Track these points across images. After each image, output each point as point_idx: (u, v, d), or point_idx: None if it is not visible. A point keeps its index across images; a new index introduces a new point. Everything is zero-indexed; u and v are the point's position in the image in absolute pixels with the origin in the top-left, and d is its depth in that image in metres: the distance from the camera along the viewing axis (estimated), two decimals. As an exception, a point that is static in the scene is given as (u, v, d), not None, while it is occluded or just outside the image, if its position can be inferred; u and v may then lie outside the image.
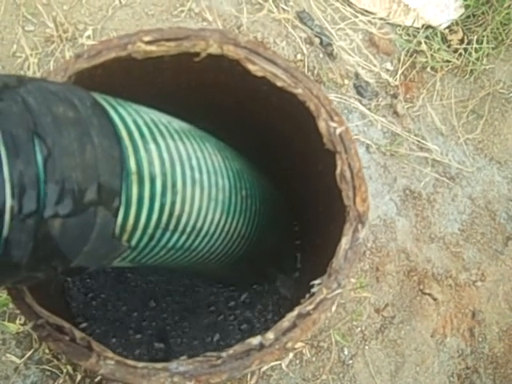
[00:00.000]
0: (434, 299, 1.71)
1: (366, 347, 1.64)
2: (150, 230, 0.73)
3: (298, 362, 1.59)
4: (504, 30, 2.07)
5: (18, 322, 1.52)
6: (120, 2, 1.91)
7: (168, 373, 0.77)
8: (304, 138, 1.04)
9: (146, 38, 0.92)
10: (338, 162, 0.92)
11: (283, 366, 1.55)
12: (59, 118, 0.59)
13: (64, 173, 0.57)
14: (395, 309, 1.69)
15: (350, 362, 1.62)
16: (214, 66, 0.99)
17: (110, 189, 0.63)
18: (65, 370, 1.51)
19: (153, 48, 0.93)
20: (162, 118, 0.81)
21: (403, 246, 1.77)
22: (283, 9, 2.01)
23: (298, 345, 1.57)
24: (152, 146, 0.72)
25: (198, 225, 0.84)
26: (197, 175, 0.82)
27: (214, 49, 0.96)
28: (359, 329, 1.65)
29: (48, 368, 1.53)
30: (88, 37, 1.84)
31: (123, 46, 0.92)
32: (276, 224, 1.22)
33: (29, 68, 1.79)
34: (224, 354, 0.78)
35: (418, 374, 1.64)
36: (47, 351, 1.53)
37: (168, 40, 0.94)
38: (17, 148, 0.53)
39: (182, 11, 1.92)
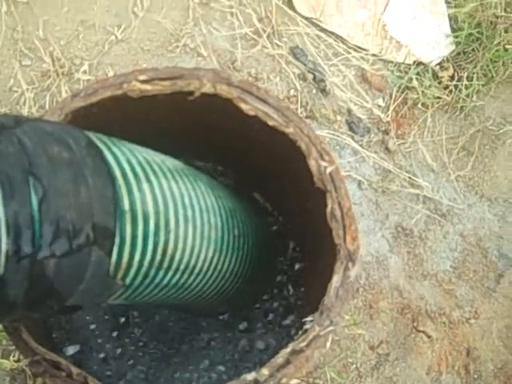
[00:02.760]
0: (429, 336, 1.72)
1: (362, 385, 1.65)
2: (144, 269, 0.74)
3: (294, 400, 1.59)
4: (494, 67, 2.10)
5: (11, 358, 1.51)
6: (116, 38, 1.92)
7: None
8: (294, 177, 1.05)
9: (141, 77, 0.94)
10: (329, 201, 0.93)
11: (279, 404, 1.55)
12: (54, 158, 0.60)
13: (59, 213, 0.58)
14: (390, 346, 1.70)
15: (346, 400, 1.63)
16: (208, 104, 1.01)
17: (104, 228, 0.64)
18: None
19: (148, 87, 0.95)
20: (156, 157, 0.82)
21: (396, 283, 1.78)
22: (277, 44, 2.03)
23: (294, 382, 1.57)
24: (145, 186, 0.73)
25: (192, 263, 0.84)
26: (189, 213, 0.82)
27: (207, 88, 0.97)
28: (354, 366, 1.66)
29: (42, 406, 1.52)
30: (84, 72, 1.85)
31: (119, 85, 0.94)
32: (268, 261, 1.23)
33: (25, 103, 1.80)
34: None
35: (414, 413, 1.65)
36: (42, 387, 1.52)
37: (162, 79, 0.95)
38: (12, 188, 0.54)
39: (177, 46, 1.94)
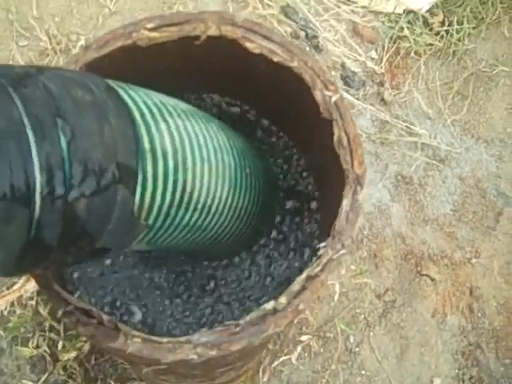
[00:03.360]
0: (432, 280, 1.77)
1: (371, 333, 1.70)
2: (164, 209, 0.77)
3: (306, 355, 1.66)
4: (483, 9, 2.12)
5: (30, 345, 1.57)
6: (109, 10, 1.95)
7: (191, 345, 0.82)
8: (300, 111, 1.08)
9: (149, 25, 0.97)
10: (335, 129, 0.96)
11: (293, 360, 1.61)
12: (78, 101, 0.62)
13: (86, 153, 0.60)
14: (395, 293, 1.75)
15: (357, 349, 1.69)
16: (214, 48, 1.03)
17: (127, 167, 0.67)
18: (80, 389, 1.57)
19: (156, 34, 0.98)
20: (169, 100, 0.85)
21: (399, 230, 1.83)
22: (268, 4, 2.05)
23: (305, 337, 1.63)
24: (163, 125, 0.76)
25: (208, 202, 0.88)
26: (204, 152, 0.85)
27: (212, 30, 1.00)
28: (362, 316, 1.72)
29: (64, 389, 1.59)
30: (81, 46, 1.88)
31: (128, 34, 0.97)
32: (276, 199, 1.27)
33: (25, 85, 1.84)
34: (242, 322, 0.83)
35: (423, 354, 1.71)
36: (62, 372, 1.57)
37: (170, 25, 0.98)
38: (43, 130, 0.56)
39: (169, 15, 1.97)
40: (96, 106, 0.64)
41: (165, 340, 0.83)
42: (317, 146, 1.09)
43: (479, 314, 1.77)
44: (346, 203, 0.90)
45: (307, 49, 2.03)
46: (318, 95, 0.98)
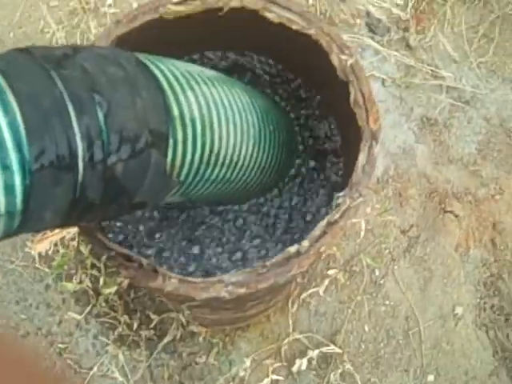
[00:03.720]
0: (456, 216, 1.82)
1: (396, 266, 1.77)
2: (194, 166, 0.86)
3: (333, 287, 1.73)
4: (508, -48, 2.13)
5: (74, 281, 1.68)
6: (138, -30, 2.01)
7: (223, 284, 0.91)
8: (319, 75, 1.16)
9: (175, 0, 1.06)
10: (351, 90, 1.04)
11: (320, 292, 1.68)
12: (112, 77, 0.71)
13: (121, 124, 0.69)
14: (419, 229, 1.81)
15: (382, 281, 1.75)
16: (236, 18, 1.11)
17: (159, 133, 0.76)
18: (122, 320, 1.66)
19: (181, 8, 1.07)
20: (195, 68, 0.94)
21: (423, 170, 1.88)
22: (290, -43, 2.09)
23: (332, 271, 1.70)
24: (189, 93, 0.85)
25: (235, 158, 0.97)
26: (230, 114, 0.94)
27: (235, 2, 1.08)
28: (387, 251, 1.78)
29: (107, 320, 1.69)
30: (110, 5, 1.96)
31: (155, 8, 1.06)
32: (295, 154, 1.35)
33: (57, 42, 1.93)
34: (268, 263, 0.92)
35: (446, 285, 1.77)
36: (104, 304, 1.68)
37: None
38: (81, 105, 0.65)
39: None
40: (128, 81, 0.73)
41: (199, 280, 0.93)
42: (338, 104, 1.16)
43: (502, 247, 1.81)
44: (362, 156, 1.00)
45: (331, -2, 2.07)
46: (334, 59, 1.07)
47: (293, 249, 0.94)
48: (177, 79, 0.85)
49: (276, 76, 1.30)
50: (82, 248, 1.64)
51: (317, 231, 0.95)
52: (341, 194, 0.99)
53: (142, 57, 0.83)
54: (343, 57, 1.06)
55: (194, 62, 1.24)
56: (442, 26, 2.10)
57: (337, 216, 0.96)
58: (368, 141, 1.01)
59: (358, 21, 2.07)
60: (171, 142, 0.80)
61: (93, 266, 1.65)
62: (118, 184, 0.72)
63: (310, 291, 1.69)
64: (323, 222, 0.96)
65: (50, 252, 1.69)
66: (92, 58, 0.71)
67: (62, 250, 1.68)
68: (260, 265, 0.93)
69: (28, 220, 0.65)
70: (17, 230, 0.66)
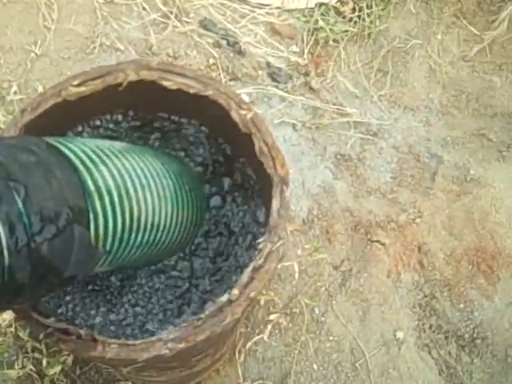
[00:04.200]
0: (382, 244, 1.89)
1: (334, 302, 1.81)
2: (118, 234, 0.90)
3: (277, 331, 1.76)
4: (388, -9, 2.26)
5: (16, 367, 1.65)
6: (36, 54, 2.04)
7: (162, 342, 0.94)
8: (225, 129, 1.22)
9: (75, 82, 1.10)
10: (255, 141, 1.11)
11: (265, 338, 1.71)
12: (24, 163, 0.74)
13: (40, 205, 0.72)
14: (351, 262, 1.87)
15: (323, 318, 1.79)
16: (136, 90, 1.16)
17: (78, 208, 0.79)
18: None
19: (82, 88, 1.10)
20: (105, 143, 0.99)
21: (345, 205, 1.94)
22: (186, 21, 2.16)
23: (273, 316, 1.74)
24: (102, 167, 0.89)
25: (156, 221, 1.01)
26: (144, 181, 0.99)
27: (132, 76, 1.13)
28: (323, 288, 1.82)
29: (53, 404, 1.67)
30: (15, 93, 1.97)
31: (58, 93, 1.09)
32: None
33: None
34: (203, 315, 0.96)
35: (384, 313, 1.82)
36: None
37: (94, 79, 1.11)
38: None
39: (95, 48, 2.07)
40: (40, 164, 0.77)
41: (138, 342, 0.96)
42: (248, 154, 1.21)
43: (430, 268, 1.89)
44: (275, 202, 1.06)
45: (231, 55, 2.14)
46: (234, 115, 1.14)
47: (224, 298, 0.98)
48: (88, 156, 0.89)
49: (191, 135, 1.34)
50: (21, 333, 1.62)
51: (244, 278, 1.00)
52: (261, 239, 1.04)
53: (52, 140, 0.87)
54: (242, 112, 1.13)
55: (98, 128, 1.27)
56: (339, 67, 2.20)
57: (261, 261, 1.01)
58: (278, 186, 1.08)
59: (260, 72, 2.15)
60: (91, 214, 0.83)
61: (34, 349, 1.63)
62: (46, 263, 0.74)
63: (255, 339, 1.72)
64: (249, 269, 1.01)
65: (-13, 342, 1.66)
66: (3, 149, 0.75)
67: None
68: (195, 318, 0.97)
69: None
70: None
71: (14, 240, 0.69)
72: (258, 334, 1.72)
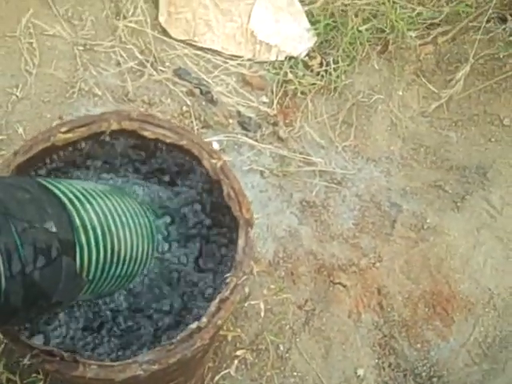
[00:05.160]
0: (344, 286, 1.98)
1: (298, 339, 1.89)
2: (100, 265, 1.00)
3: (243, 366, 1.83)
4: (353, 48, 2.39)
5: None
6: (17, 97, 2.12)
7: (137, 363, 1.04)
8: (197, 176, 1.33)
9: (63, 129, 1.21)
10: (224, 187, 1.23)
11: (232, 373, 1.78)
12: (20, 200, 0.84)
13: (34, 237, 0.81)
14: (314, 302, 1.95)
15: (287, 355, 1.87)
16: (118, 138, 1.27)
17: (67, 241, 0.89)
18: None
19: (70, 135, 1.22)
20: (89, 185, 1.10)
21: (309, 249, 2.04)
22: (161, 70, 2.27)
23: (240, 352, 1.81)
24: (88, 206, 1.00)
25: (134, 255, 1.13)
26: (124, 219, 1.10)
27: (114, 126, 1.24)
28: (288, 326, 1.91)
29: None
30: (-5, 134, 2.05)
31: (47, 138, 1.20)
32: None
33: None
34: (174, 341, 1.06)
35: (345, 351, 1.91)
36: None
37: (80, 127, 1.23)
38: None
39: (74, 92, 2.16)
40: (34, 201, 0.87)
41: (116, 363, 1.06)
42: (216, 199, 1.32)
43: (389, 309, 1.98)
44: (241, 241, 1.19)
45: (203, 103, 2.25)
46: (206, 163, 1.27)
47: (194, 325, 1.09)
48: (75, 195, 1.00)
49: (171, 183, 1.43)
50: (-4, 365, 1.67)
51: (212, 308, 1.11)
52: (228, 274, 1.16)
53: (43, 180, 0.98)
54: (213, 160, 1.26)
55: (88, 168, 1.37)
56: (306, 118, 2.32)
57: (227, 293, 1.13)
58: (244, 227, 1.20)
59: (231, 121, 2.26)
60: (78, 247, 0.93)
61: (8, 380, 1.67)
62: (37, 288, 0.84)
63: (222, 373, 1.79)
64: (216, 300, 1.12)
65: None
66: (1, 187, 0.85)
67: (-26, 371, 1.70)
68: (168, 343, 1.07)
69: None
70: None
71: (10, 267, 0.78)
72: (225, 369, 1.79)
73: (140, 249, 1.16)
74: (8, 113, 2.10)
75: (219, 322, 1.10)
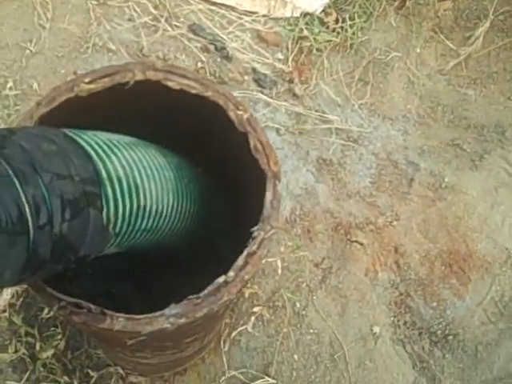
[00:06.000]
0: (361, 244, 1.98)
1: (314, 297, 1.90)
2: (126, 219, 0.99)
3: (260, 323, 1.84)
4: (370, 4, 2.36)
5: (10, 350, 1.71)
6: (31, 51, 2.10)
7: (164, 317, 1.02)
8: (220, 129, 1.30)
9: (87, 79, 1.18)
10: (250, 140, 1.20)
11: (249, 329, 1.79)
12: (46, 151, 0.82)
13: (61, 189, 0.80)
14: (331, 260, 1.95)
15: (304, 312, 1.88)
16: (142, 89, 1.24)
17: (93, 193, 0.87)
18: (62, 381, 1.69)
19: (93, 86, 1.19)
20: (114, 136, 1.08)
21: (326, 207, 2.03)
22: (176, 26, 2.24)
23: (256, 308, 1.82)
24: (114, 158, 0.98)
25: (159, 209, 1.10)
26: (149, 172, 1.08)
27: (139, 76, 1.22)
28: (304, 284, 1.91)
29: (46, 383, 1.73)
30: (10, 88, 2.03)
31: (70, 88, 1.17)
32: (212, 201, 1.49)
33: (-35, 126, 1.97)
34: (201, 294, 1.05)
35: (361, 308, 1.91)
36: (42, 369, 1.70)
37: (103, 77, 1.20)
38: (25, 178, 0.75)
39: (88, 47, 2.13)
40: (60, 152, 0.85)
41: (142, 316, 1.04)
42: (238, 153, 1.30)
43: (405, 268, 1.98)
44: (268, 194, 1.16)
45: (218, 60, 2.22)
46: (232, 115, 1.23)
47: (221, 279, 1.07)
48: (100, 147, 0.97)
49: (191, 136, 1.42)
50: (14, 318, 1.67)
51: (239, 262, 1.09)
52: (255, 228, 1.13)
53: (68, 131, 0.95)
54: (239, 112, 1.23)
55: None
56: (322, 75, 2.29)
57: (255, 247, 1.10)
58: (272, 181, 1.17)
59: (246, 77, 2.23)
60: (104, 200, 0.91)
61: (27, 333, 1.69)
62: (64, 241, 0.82)
63: (239, 329, 1.80)
64: (244, 254, 1.10)
65: (-19, 327, 1.71)
66: (27, 137, 0.82)
67: (-7, 324, 1.71)
68: (195, 296, 1.05)
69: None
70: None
71: (38, 219, 0.76)
72: (242, 325, 1.80)
73: (165, 202, 1.14)
74: (22, 68, 2.08)
75: (246, 277, 1.08)
